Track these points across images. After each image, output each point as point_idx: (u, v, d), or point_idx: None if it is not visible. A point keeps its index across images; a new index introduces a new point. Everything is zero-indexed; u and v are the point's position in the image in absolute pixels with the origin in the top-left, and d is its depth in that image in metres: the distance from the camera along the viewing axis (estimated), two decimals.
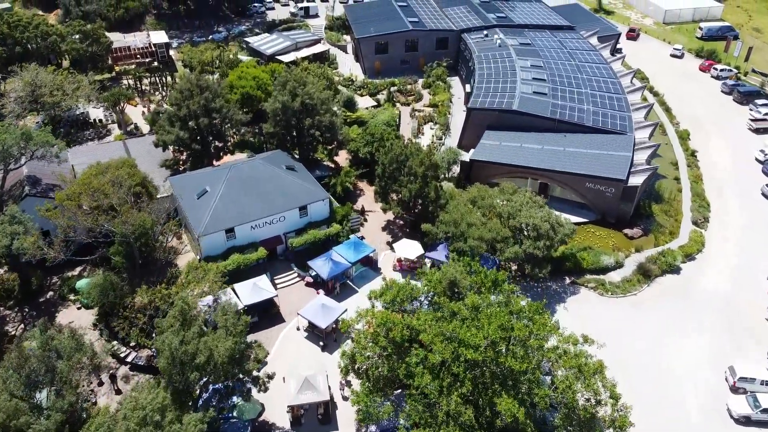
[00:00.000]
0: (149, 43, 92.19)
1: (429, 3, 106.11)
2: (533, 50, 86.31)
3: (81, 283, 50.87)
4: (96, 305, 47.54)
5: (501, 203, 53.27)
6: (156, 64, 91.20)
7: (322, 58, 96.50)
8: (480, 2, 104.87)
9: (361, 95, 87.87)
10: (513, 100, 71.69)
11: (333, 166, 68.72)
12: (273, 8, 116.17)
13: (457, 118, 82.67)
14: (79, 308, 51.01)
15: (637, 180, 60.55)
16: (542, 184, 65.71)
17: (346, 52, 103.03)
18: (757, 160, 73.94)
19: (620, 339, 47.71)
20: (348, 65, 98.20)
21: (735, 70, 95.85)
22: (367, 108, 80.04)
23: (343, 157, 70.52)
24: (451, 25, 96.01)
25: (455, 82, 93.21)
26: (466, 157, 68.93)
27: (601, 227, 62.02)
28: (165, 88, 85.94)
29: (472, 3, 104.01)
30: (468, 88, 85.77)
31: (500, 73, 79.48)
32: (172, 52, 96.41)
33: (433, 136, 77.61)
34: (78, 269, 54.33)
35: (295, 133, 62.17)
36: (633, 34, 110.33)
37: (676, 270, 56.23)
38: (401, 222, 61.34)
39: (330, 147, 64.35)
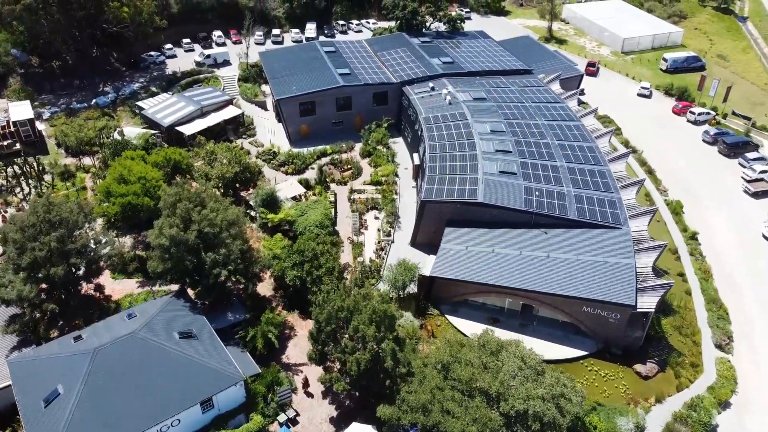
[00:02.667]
0: (6, 121, 73.37)
1: (361, 47, 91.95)
2: (490, 107, 73.42)
3: None
4: None
5: (484, 373, 39.18)
6: (18, 146, 72.53)
7: (236, 123, 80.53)
8: (420, 43, 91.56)
9: (286, 173, 72.61)
10: (476, 187, 58.22)
11: (252, 303, 52.81)
12: (175, 56, 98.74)
13: (407, 197, 68.86)
14: None
15: (648, 302, 48.00)
16: (525, 304, 52.44)
17: (266, 109, 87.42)
18: (764, 236, 63.47)
19: None
20: (269, 128, 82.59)
21: (713, 112, 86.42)
22: (293, 198, 64.66)
23: (265, 285, 54.86)
24: (390, 77, 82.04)
25: (400, 145, 79.32)
26: (425, 268, 54.85)
27: (605, 362, 49.18)
28: (30, 182, 67.60)
29: (412, 45, 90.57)
30: (416, 158, 71.97)
31: (455, 145, 65.99)
32: (42, 126, 77.91)
33: (379, 230, 63.33)
34: None
35: (193, 271, 46.09)
36: (593, 69, 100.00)
37: (712, 431, 43.85)
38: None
39: (244, 282, 48.62)
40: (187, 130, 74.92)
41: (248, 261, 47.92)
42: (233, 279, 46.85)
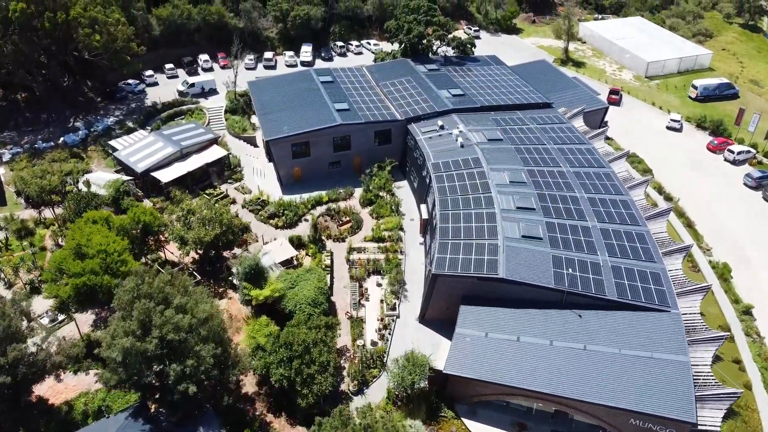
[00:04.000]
0: None
1: (361, 75, 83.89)
2: (507, 151, 65.45)
3: None
4: None
5: None
6: None
7: (221, 164, 72.48)
8: (427, 72, 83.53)
9: (276, 226, 64.56)
10: (496, 257, 50.12)
11: (231, 413, 44.60)
12: (156, 84, 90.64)
13: (414, 257, 60.90)
14: None
15: (712, 417, 39.87)
16: (558, 410, 44.33)
17: (256, 145, 79.41)
18: None
19: None
20: (258, 170, 74.55)
21: (753, 151, 78.38)
22: (283, 263, 56.53)
23: (248, 380, 46.72)
24: (394, 112, 73.99)
25: (405, 190, 71.28)
26: (437, 360, 46.80)
27: None
28: None
29: (418, 74, 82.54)
30: (425, 211, 63.95)
31: (470, 200, 57.97)
32: (1, 171, 69.77)
33: (382, 303, 55.25)
34: None
35: (156, 385, 37.93)
36: (615, 98, 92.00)
37: None
38: None
39: (222, 392, 40.50)
40: (165, 176, 66.87)
41: (224, 365, 39.80)
42: (203, 392, 38.66)
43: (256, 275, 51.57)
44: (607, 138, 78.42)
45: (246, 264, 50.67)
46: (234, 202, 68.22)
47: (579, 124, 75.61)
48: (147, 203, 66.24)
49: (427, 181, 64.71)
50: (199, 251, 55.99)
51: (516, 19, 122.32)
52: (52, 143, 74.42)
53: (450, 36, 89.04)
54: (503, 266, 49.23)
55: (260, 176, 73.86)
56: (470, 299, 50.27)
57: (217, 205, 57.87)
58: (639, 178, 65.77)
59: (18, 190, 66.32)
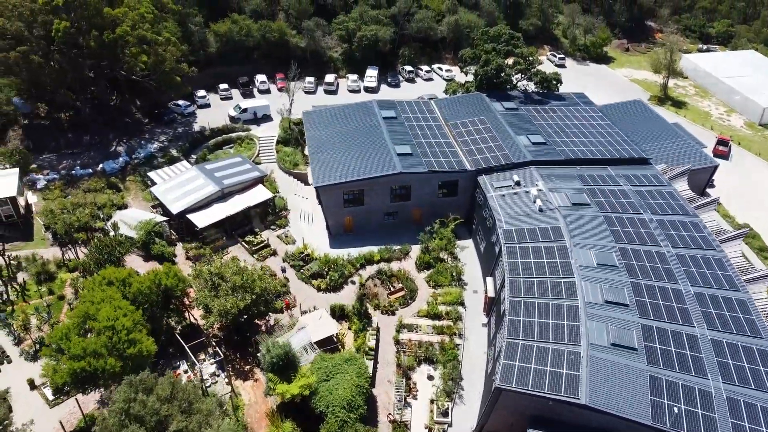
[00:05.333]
0: None
1: (429, 111, 75.47)
2: (596, 221, 55.56)
3: None
4: None
5: None
6: (1, 232, 60.30)
7: (265, 207, 65.87)
8: (504, 111, 74.30)
9: (318, 288, 57.15)
10: (577, 372, 40.79)
11: None
12: (208, 105, 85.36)
13: (475, 343, 52.23)
14: None
15: None
16: None
17: (307, 183, 72.45)
18: None
19: None
20: (306, 212, 67.61)
21: None
22: (319, 343, 48.86)
23: None
24: (463, 161, 65.30)
25: (469, 252, 62.49)
26: None
27: None
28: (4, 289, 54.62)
29: (493, 113, 73.49)
30: (490, 286, 55.10)
31: (547, 286, 48.61)
32: (33, 199, 65.59)
33: (432, 402, 46.71)
34: None
35: None
36: (724, 150, 79.92)
37: None
38: None
39: None
40: (201, 220, 60.76)
41: None
42: None
43: (286, 365, 44.06)
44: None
45: (274, 353, 43.19)
46: (275, 253, 61.42)
47: (682, 187, 64.59)
48: (179, 250, 60.51)
49: (496, 249, 55.72)
50: (224, 323, 49.14)
51: (607, 46, 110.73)
52: (90, 170, 69.88)
53: (533, 69, 79.27)
54: (586, 387, 39.73)
55: (308, 222, 66.83)
56: (541, 422, 41.06)
57: (250, 268, 50.67)
58: (761, 269, 54.21)
59: (46, 225, 61.69)
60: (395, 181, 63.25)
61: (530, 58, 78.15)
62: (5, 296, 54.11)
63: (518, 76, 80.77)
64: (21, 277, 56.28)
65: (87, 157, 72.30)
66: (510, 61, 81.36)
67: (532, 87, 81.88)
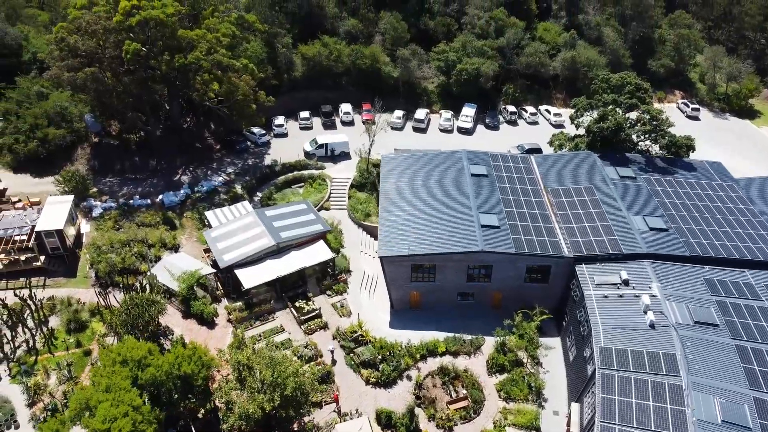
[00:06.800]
0: (30, 229, 57.92)
1: (527, 170, 65.30)
2: (725, 352, 43.73)
3: None
4: None
5: None
6: (41, 262, 56.78)
7: (324, 267, 58.77)
8: (618, 180, 62.86)
9: (367, 380, 49.18)
10: None
11: None
12: (285, 135, 79.72)
13: None
14: None
15: None
16: None
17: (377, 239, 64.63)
18: None
19: None
20: (371, 277, 60.04)
21: None
22: None
23: None
24: (560, 242, 54.90)
25: (554, 356, 52.22)
26: None
27: None
28: (25, 331, 50.70)
29: (604, 181, 62.35)
30: (576, 413, 44.63)
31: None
32: (86, 228, 62.27)
33: None
34: None
35: None
36: None
37: None
38: None
39: None
40: (249, 279, 54.63)
41: None
42: None
43: None
44: None
45: None
46: (325, 327, 54.08)
47: None
48: (222, 309, 54.69)
49: (589, 369, 45.25)
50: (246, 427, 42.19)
51: (754, 98, 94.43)
52: (149, 201, 65.88)
53: (662, 129, 66.73)
54: None
55: (370, 289, 59.15)
56: None
57: (286, 361, 43.29)
58: None
59: (92, 262, 57.83)
60: (474, 260, 53.95)
61: (659, 121, 65.70)
62: (31, 343, 50.33)
63: (641, 136, 68.52)
64: (53, 321, 52.45)
65: (149, 185, 68.51)
66: (633, 114, 69.41)
67: (656, 149, 69.43)
